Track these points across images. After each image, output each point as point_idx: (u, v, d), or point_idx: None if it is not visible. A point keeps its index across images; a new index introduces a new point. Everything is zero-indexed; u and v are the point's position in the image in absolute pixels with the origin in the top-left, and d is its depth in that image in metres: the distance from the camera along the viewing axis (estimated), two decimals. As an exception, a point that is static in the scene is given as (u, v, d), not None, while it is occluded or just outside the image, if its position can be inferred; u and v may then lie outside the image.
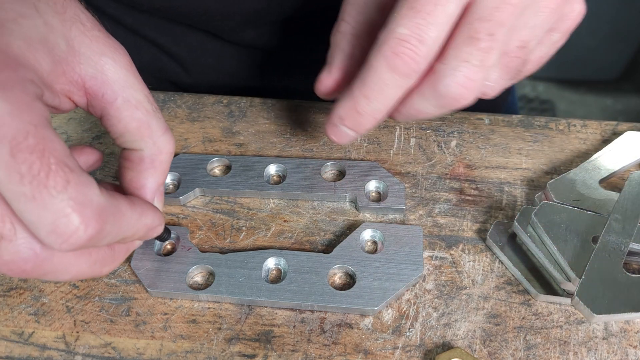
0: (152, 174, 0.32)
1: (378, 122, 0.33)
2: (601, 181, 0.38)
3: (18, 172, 0.23)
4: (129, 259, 0.36)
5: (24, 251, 0.25)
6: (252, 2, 0.47)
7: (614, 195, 0.37)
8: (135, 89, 0.31)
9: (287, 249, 0.37)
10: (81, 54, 0.29)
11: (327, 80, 0.36)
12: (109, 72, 0.30)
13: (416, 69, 0.30)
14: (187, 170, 0.40)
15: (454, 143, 0.43)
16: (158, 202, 0.33)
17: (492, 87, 0.33)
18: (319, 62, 0.49)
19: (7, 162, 0.23)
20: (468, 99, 0.31)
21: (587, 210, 0.36)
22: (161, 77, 0.57)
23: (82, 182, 0.24)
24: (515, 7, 0.29)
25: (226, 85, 0.55)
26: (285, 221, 0.39)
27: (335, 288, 0.34)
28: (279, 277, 0.35)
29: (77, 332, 0.33)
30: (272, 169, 0.41)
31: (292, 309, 0.34)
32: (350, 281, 0.35)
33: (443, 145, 0.43)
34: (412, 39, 0.29)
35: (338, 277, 0.35)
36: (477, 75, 0.30)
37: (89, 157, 0.33)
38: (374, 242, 0.37)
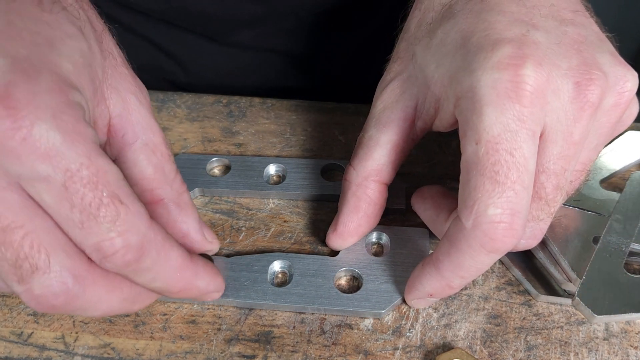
0: (187, 216, 0.31)
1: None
2: (602, 181, 0.38)
3: (69, 202, 0.23)
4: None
5: (56, 285, 0.24)
6: (249, 4, 0.47)
7: (614, 195, 0.37)
8: (155, 133, 0.30)
9: (288, 249, 0.37)
10: (112, 88, 0.28)
11: (331, 236, 0.35)
12: (134, 112, 0.29)
13: (516, 242, 0.27)
14: (186, 170, 0.40)
15: (454, 143, 0.43)
16: (211, 238, 0.33)
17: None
18: (317, 61, 0.49)
19: (60, 193, 0.23)
20: (536, 244, 0.31)
21: (588, 211, 0.36)
22: (159, 76, 0.57)
23: (131, 212, 0.24)
24: (577, 146, 0.28)
25: (225, 85, 0.55)
26: (285, 221, 0.38)
27: (342, 291, 0.34)
28: (284, 281, 0.35)
29: (76, 333, 0.33)
30: (271, 169, 0.41)
31: (292, 310, 0.34)
32: (356, 284, 0.35)
33: (443, 146, 0.43)
34: (507, 217, 0.26)
35: (344, 280, 0.35)
36: (544, 226, 0.30)
37: None
38: (380, 245, 0.37)
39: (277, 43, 0.53)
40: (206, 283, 0.29)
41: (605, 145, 0.41)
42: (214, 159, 0.41)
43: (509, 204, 0.26)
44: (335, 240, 0.35)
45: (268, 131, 0.44)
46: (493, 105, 0.26)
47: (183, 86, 0.57)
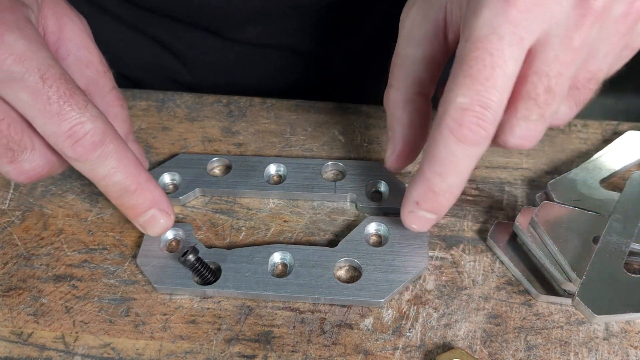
0: (116, 127, 0.34)
1: (457, 198, 0.31)
2: (602, 181, 0.38)
3: (46, 95, 0.28)
4: (134, 256, 0.36)
5: (41, 158, 0.31)
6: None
7: (614, 195, 0.37)
8: (90, 50, 0.35)
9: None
10: (49, 9, 0.33)
11: (393, 158, 0.36)
12: (66, 30, 0.34)
13: (485, 135, 0.28)
14: (186, 171, 0.40)
15: (454, 143, 0.43)
16: (136, 148, 0.37)
17: (562, 118, 0.32)
18: (320, 59, 0.49)
19: (37, 87, 0.28)
20: (530, 146, 0.31)
21: (587, 210, 0.36)
22: (162, 75, 0.57)
23: (93, 104, 0.30)
24: (577, 52, 0.28)
25: (228, 83, 0.55)
26: (285, 221, 0.38)
27: (341, 281, 0.34)
28: (284, 272, 0.35)
29: (76, 333, 0.33)
30: (272, 169, 0.41)
31: (292, 309, 0.34)
32: (356, 274, 0.35)
33: (443, 145, 0.43)
34: (475, 106, 0.27)
35: (344, 271, 0.35)
36: (536, 127, 0.30)
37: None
38: (379, 236, 0.37)
39: (281, 40, 0.53)
40: (159, 193, 0.34)
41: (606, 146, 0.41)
42: (214, 159, 0.41)
43: (477, 96, 0.27)
44: (397, 160, 0.36)
45: (268, 131, 0.44)
46: (490, 7, 0.27)
47: (187, 84, 0.57)
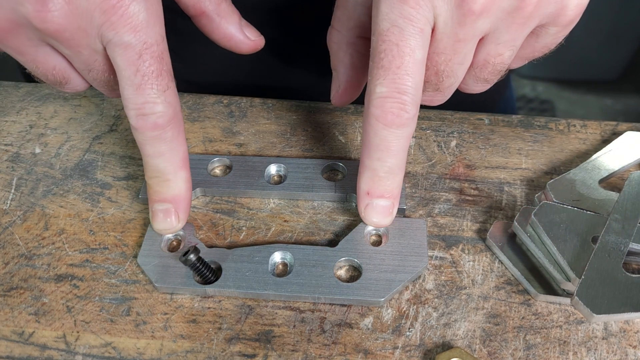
0: (227, 22, 0.38)
1: (401, 179, 0.34)
2: (601, 181, 0.38)
3: (136, 67, 0.31)
4: (135, 256, 0.36)
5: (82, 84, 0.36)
6: None
7: (613, 195, 0.37)
8: None
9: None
10: None
11: (338, 95, 0.39)
12: None
13: (409, 117, 0.31)
14: (187, 170, 0.40)
15: (453, 143, 0.43)
16: (254, 36, 0.39)
17: (473, 89, 0.37)
18: (318, 51, 0.49)
19: (133, 59, 0.31)
20: (434, 105, 0.36)
21: (586, 210, 0.36)
22: None
23: (175, 92, 0.33)
24: (462, 43, 0.31)
25: (226, 80, 0.55)
26: (285, 221, 0.39)
27: (342, 281, 0.34)
28: (285, 271, 0.35)
29: (78, 332, 0.33)
30: (272, 169, 0.41)
31: (292, 309, 0.34)
32: (356, 274, 0.35)
33: (443, 145, 0.43)
34: (393, 92, 0.31)
35: (344, 270, 0.36)
36: (434, 96, 0.35)
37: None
38: (379, 235, 0.37)
39: (277, 34, 0.52)
40: (185, 196, 0.35)
41: (605, 145, 0.41)
42: (215, 159, 0.41)
43: (393, 84, 0.30)
44: (342, 97, 0.39)
45: (268, 131, 0.44)
46: (386, 4, 0.30)
47: (183, 79, 0.57)
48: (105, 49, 0.32)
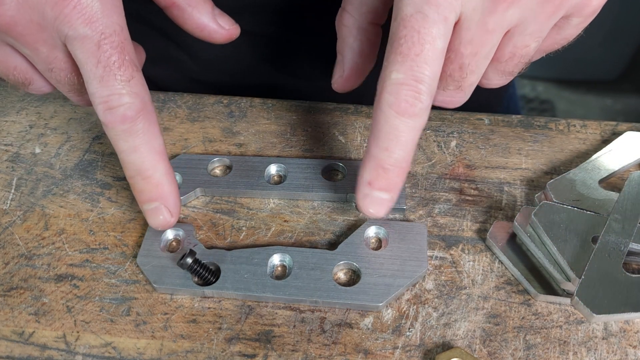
0: (199, 12, 0.37)
1: (405, 173, 0.33)
2: (601, 181, 0.38)
3: (97, 58, 0.30)
4: (135, 256, 0.36)
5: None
6: None
7: (613, 195, 0.37)
8: None
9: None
10: None
11: (341, 80, 0.38)
12: None
13: (423, 107, 0.30)
14: (187, 171, 0.40)
15: (453, 143, 0.43)
16: (228, 24, 0.38)
17: (495, 84, 0.35)
18: (319, 49, 0.49)
19: (92, 50, 0.30)
20: (453, 107, 0.34)
21: (586, 211, 0.36)
22: (171, 68, 0.57)
23: (141, 80, 0.32)
24: (490, 34, 0.30)
25: (234, 76, 0.55)
26: (285, 221, 0.39)
27: (340, 284, 0.34)
28: (283, 274, 0.35)
29: (78, 332, 0.33)
30: (272, 169, 0.41)
31: (292, 309, 0.34)
32: (354, 277, 0.35)
33: (443, 145, 0.43)
34: (410, 80, 0.29)
35: (343, 274, 0.35)
36: (454, 94, 0.33)
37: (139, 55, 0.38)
38: (379, 239, 0.37)
39: (280, 29, 0.52)
40: (170, 190, 0.34)
41: (606, 146, 0.41)
42: (215, 159, 0.41)
43: (410, 71, 0.29)
44: (345, 83, 0.38)
45: (268, 131, 0.44)
46: None
47: (193, 75, 0.57)
48: (65, 45, 0.31)
